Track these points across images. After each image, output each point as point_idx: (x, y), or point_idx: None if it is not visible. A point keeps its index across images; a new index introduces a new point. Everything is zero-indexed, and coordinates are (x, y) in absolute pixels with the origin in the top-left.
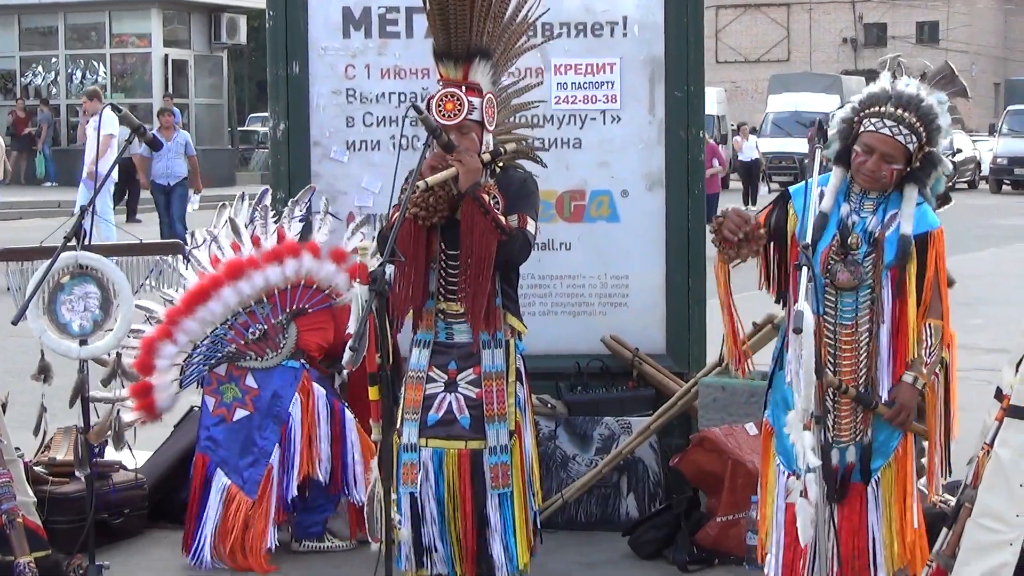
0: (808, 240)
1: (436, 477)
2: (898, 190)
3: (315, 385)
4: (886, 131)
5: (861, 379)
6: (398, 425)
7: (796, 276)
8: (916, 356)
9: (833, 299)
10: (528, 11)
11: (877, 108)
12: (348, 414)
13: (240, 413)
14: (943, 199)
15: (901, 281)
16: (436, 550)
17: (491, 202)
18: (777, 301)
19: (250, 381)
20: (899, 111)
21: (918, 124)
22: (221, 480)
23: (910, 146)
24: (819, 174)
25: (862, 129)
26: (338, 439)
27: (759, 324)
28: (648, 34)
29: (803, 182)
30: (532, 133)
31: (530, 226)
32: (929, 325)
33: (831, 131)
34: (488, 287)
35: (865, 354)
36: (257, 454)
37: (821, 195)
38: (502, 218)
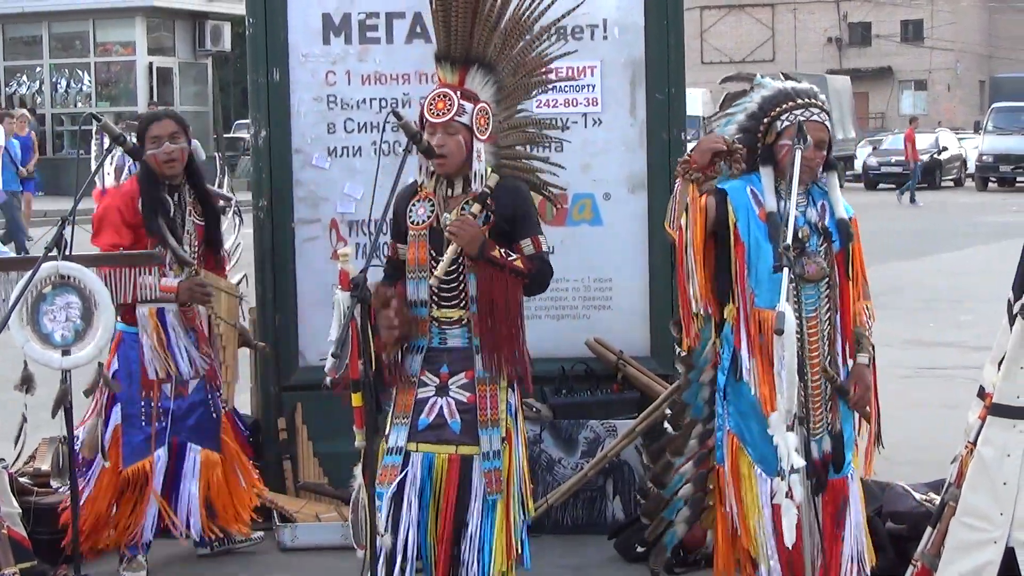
0: (789, 241)
1: (423, 482)
2: (814, 180)
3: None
4: (820, 119)
5: (824, 366)
6: (387, 430)
7: (744, 273)
8: (860, 337)
9: (797, 293)
10: (547, 38)
11: (793, 103)
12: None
13: (192, 383)
14: None
15: (848, 264)
16: (410, 557)
17: (501, 254)
18: (718, 313)
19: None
20: (816, 101)
21: (826, 107)
22: (193, 453)
23: (833, 132)
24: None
25: (786, 124)
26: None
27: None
28: (629, 36)
29: (733, 180)
30: (542, 164)
31: (544, 246)
32: (866, 306)
33: (736, 131)
34: (520, 335)
35: (827, 342)
36: (214, 409)
37: (753, 195)
38: (518, 263)
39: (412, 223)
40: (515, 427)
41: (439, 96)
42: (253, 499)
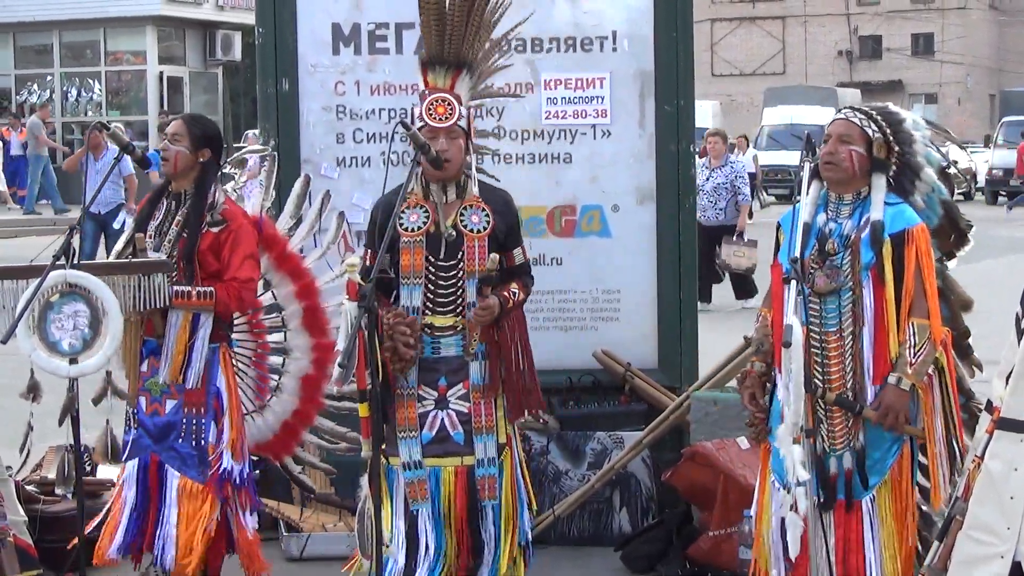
0: (796, 254)
1: (434, 497)
2: (871, 191)
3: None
4: (841, 116)
5: (848, 384)
6: (394, 445)
7: (782, 291)
8: (900, 355)
9: (817, 306)
10: (514, 29)
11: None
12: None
13: (170, 404)
14: (959, 240)
15: (879, 274)
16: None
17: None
18: None
19: None
20: (849, 107)
21: (878, 116)
22: (174, 479)
23: (867, 129)
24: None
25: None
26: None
27: (748, 338)
28: (638, 48)
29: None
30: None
31: (528, 254)
32: (912, 324)
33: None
34: (533, 367)
35: (851, 358)
36: (190, 437)
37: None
38: (520, 295)
39: (405, 230)
40: (514, 432)
41: (439, 101)
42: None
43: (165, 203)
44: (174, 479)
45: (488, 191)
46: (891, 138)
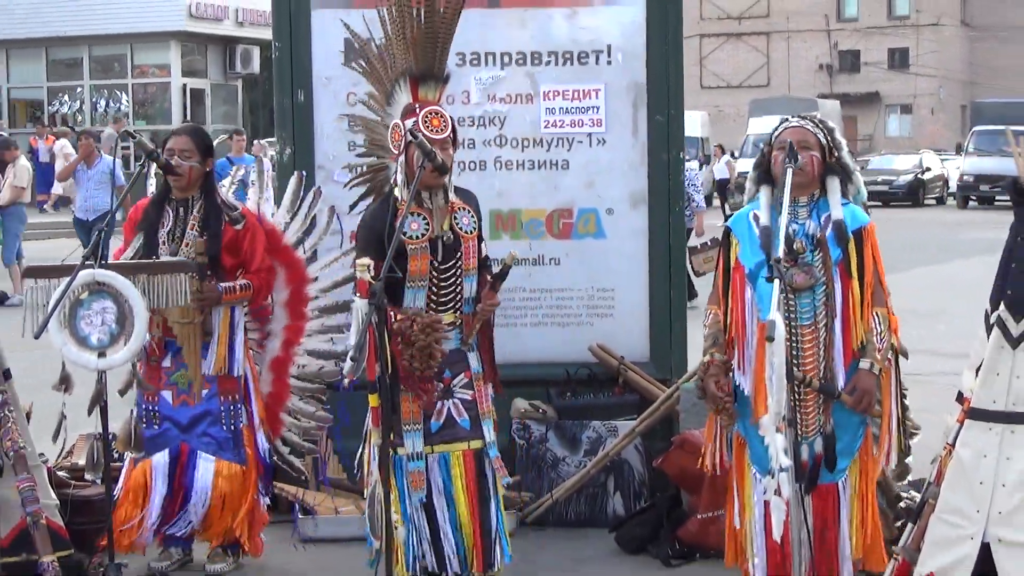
0: (780, 254)
1: (444, 481)
2: (823, 193)
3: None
4: (796, 124)
5: (820, 373)
6: (400, 436)
7: (744, 289)
8: (867, 343)
9: (793, 302)
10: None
11: (783, 122)
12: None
13: (202, 393)
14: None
15: (850, 269)
16: (453, 553)
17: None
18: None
19: None
20: (800, 115)
21: (819, 121)
22: (208, 463)
23: (818, 135)
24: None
25: (774, 138)
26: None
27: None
28: (631, 62)
29: (735, 212)
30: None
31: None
32: (876, 313)
33: (751, 169)
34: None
35: (823, 348)
36: (228, 421)
37: (755, 217)
38: (497, 285)
39: (409, 238)
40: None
41: (433, 113)
42: (262, 518)
43: (171, 210)
44: (208, 463)
45: (462, 193)
46: (831, 144)
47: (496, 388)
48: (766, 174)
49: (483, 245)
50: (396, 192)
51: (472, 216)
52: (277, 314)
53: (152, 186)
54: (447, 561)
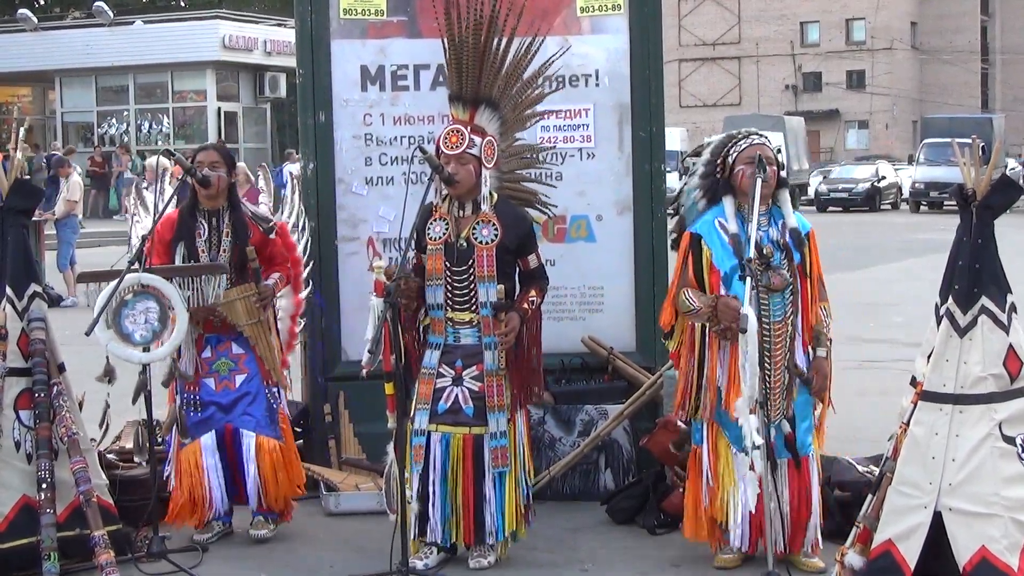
0: (752, 255)
1: (443, 458)
2: (774, 203)
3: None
4: (759, 141)
5: (787, 361)
6: (411, 414)
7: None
8: (819, 333)
9: (767, 301)
10: (546, 68)
11: (734, 140)
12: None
13: (239, 379)
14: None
15: (805, 270)
16: (436, 522)
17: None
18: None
19: (236, 349)
20: (752, 133)
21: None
22: (248, 440)
23: (773, 151)
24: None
25: (736, 153)
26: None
27: None
28: (617, 84)
29: (698, 220)
30: (538, 185)
31: (542, 258)
32: (823, 307)
33: (698, 179)
34: (540, 363)
35: (789, 340)
36: (266, 402)
37: (721, 224)
38: (535, 297)
39: (430, 239)
40: (518, 412)
41: (452, 131)
42: (298, 484)
43: (204, 221)
44: (250, 439)
45: (505, 208)
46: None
47: (534, 385)
48: (727, 185)
49: (532, 256)
50: (432, 198)
51: (495, 229)
52: (286, 293)
53: (151, 201)
54: (431, 530)
